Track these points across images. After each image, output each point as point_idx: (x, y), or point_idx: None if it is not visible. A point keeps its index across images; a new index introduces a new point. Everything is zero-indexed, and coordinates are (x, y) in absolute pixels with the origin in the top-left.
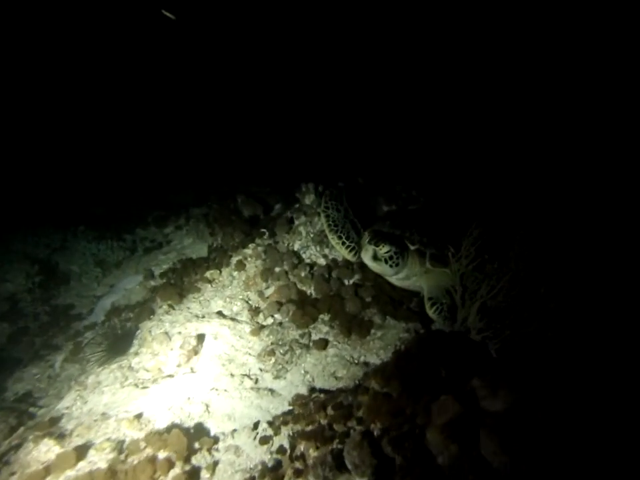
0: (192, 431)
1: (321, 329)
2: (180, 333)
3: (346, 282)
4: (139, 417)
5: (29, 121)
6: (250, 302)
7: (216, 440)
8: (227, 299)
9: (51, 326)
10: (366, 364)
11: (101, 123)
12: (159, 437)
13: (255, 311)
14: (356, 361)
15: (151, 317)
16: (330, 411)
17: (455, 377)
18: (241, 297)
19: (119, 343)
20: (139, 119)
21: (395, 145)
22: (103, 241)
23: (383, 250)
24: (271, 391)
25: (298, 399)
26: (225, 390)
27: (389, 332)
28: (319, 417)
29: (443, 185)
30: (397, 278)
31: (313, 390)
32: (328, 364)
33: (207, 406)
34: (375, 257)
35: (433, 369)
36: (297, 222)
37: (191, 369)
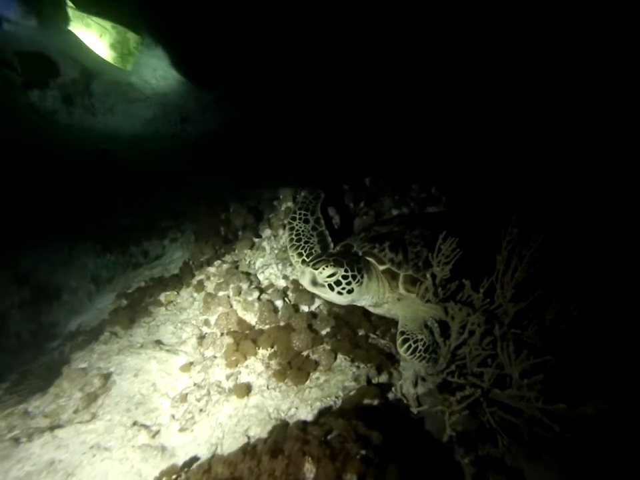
0: None
1: (254, 369)
2: (99, 368)
3: (302, 309)
4: None
5: None
6: (202, 329)
7: None
8: (179, 325)
9: (30, 346)
10: (290, 420)
11: None
12: None
13: (201, 340)
14: (280, 416)
15: (88, 345)
16: None
17: None
18: (194, 322)
19: (49, 376)
20: None
21: (410, 142)
22: (103, 255)
23: (325, 273)
24: (163, 450)
25: (164, 474)
26: (106, 449)
27: (334, 378)
28: None
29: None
30: (367, 305)
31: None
32: (244, 417)
33: (70, 476)
34: (315, 282)
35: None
36: (263, 235)
37: (93, 414)
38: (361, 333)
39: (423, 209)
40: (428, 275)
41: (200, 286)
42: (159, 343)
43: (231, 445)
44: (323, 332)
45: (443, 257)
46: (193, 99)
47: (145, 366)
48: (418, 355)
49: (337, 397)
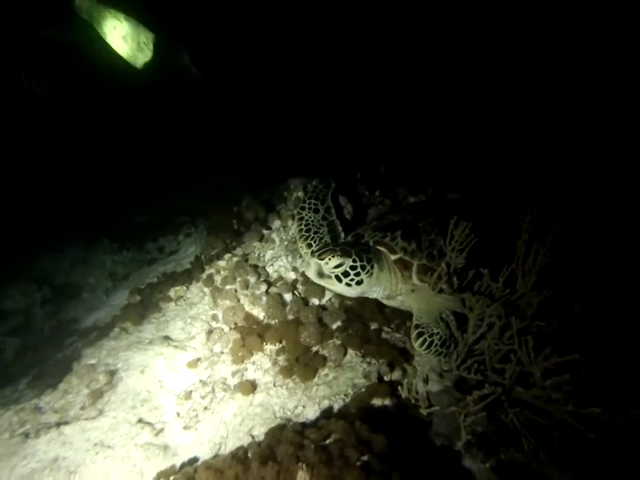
0: None
1: (261, 365)
2: (107, 364)
3: (312, 302)
4: None
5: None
6: (211, 324)
7: None
8: (188, 320)
9: (51, 342)
10: (297, 419)
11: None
12: None
13: (209, 336)
14: (286, 415)
15: (99, 341)
16: None
17: None
18: (204, 317)
19: (62, 372)
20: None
21: (427, 128)
22: (119, 252)
23: (331, 264)
24: (166, 449)
25: (162, 475)
26: (110, 447)
27: (344, 375)
28: None
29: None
30: (380, 297)
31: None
32: (249, 415)
33: (72, 474)
34: (321, 274)
35: None
36: (272, 227)
37: (99, 411)
38: (374, 326)
39: (441, 196)
40: (443, 264)
41: (209, 280)
42: (167, 338)
43: (234, 445)
44: (334, 326)
45: (456, 243)
46: None
47: (152, 362)
48: (434, 349)
49: (346, 395)
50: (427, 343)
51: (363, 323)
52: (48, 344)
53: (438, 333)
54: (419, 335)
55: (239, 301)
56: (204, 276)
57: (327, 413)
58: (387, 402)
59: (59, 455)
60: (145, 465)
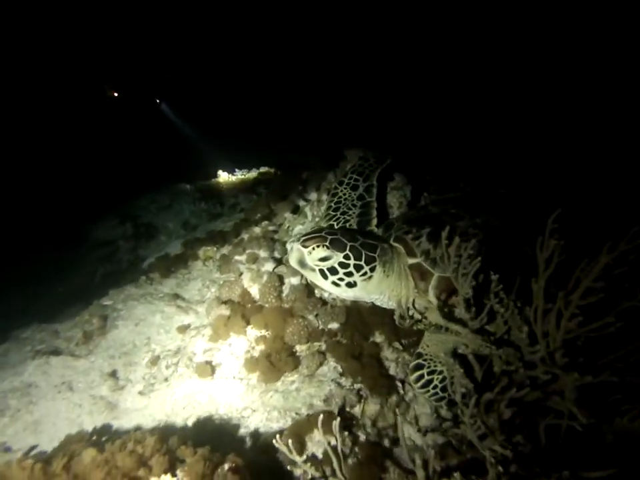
0: None
1: (235, 350)
2: (115, 309)
3: (317, 294)
4: None
5: None
6: (214, 292)
7: None
8: (207, 283)
9: (126, 273)
10: (239, 422)
11: None
12: None
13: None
14: (229, 414)
15: (126, 284)
16: None
17: None
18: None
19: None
20: None
21: None
22: (198, 203)
23: (315, 255)
24: (112, 408)
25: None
26: (71, 390)
27: (307, 389)
28: None
29: None
30: (388, 306)
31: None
32: (193, 402)
33: (30, 404)
34: (303, 264)
35: None
36: (310, 199)
37: (89, 351)
38: (377, 339)
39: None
40: (464, 287)
41: (239, 245)
42: (178, 297)
43: (167, 429)
44: (328, 327)
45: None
46: None
47: (149, 318)
48: (432, 391)
49: (297, 414)
50: (423, 381)
51: (364, 331)
52: (123, 274)
53: (441, 372)
54: (417, 368)
55: (241, 274)
56: (235, 240)
57: (270, 429)
58: (315, 449)
59: (35, 382)
60: (86, 418)
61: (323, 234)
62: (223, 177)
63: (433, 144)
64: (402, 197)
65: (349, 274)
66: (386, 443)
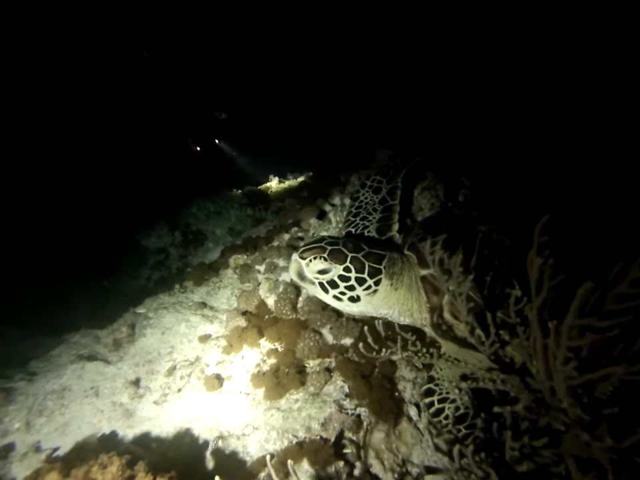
0: None
1: (246, 363)
2: (146, 317)
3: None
4: None
5: None
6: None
7: None
8: (236, 291)
9: (175, 278)
10: (239, 440)
11: None
12: None
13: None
14: (230, 431)
15: (161, 293)
16: None
17: None
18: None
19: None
20: None
21: None
22: (244, 209)
23: (313, 267)
24: (129, 416)
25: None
26: (97, 395)
27: (308, 410)
28: None
29: None
30: (403, 322)
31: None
32: (197, 416)
33: (62, 407)
34: (302, 276)
35: None
36: (336, 204)
37: (120, 357)
38: (394, 356)
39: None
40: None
41: (269, 251)
42: (205, 305)
43: (173, 442)
44: (341, 342)
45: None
46: None
47: (175, 326)
48: (444, 422)
49: (294, 436)
50: (433, 410)
51: (379, 347)
52: (166, 281)
53: (454, 401)
54: (428, 393)
55: (259, 284)
56: (265, 248)
57: (264, 451)
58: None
59: (70, 385)
60: (105, 424)
61: (322, 244)
62: (274, 181)
63: (470, 142)
64: (433, 198)
65: (351, 287)
66: (388, 477)
